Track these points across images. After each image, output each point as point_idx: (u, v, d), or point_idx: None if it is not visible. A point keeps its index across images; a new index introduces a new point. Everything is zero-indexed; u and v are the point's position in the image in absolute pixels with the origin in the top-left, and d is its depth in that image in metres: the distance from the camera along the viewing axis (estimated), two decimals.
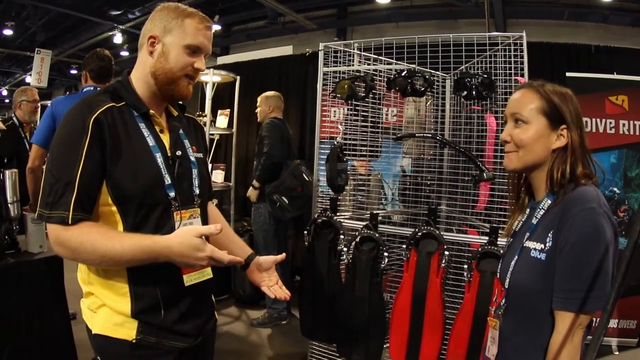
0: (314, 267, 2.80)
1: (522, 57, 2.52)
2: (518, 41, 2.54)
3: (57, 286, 2.93)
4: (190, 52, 1.56)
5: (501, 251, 2.32)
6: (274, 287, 1.82)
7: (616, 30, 7.96)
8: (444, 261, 2.51)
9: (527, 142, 1.49)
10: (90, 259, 1.47)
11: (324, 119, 3.17)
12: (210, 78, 5.13)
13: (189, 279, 1.59)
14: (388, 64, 3.16)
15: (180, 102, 1.75)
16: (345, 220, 2.95)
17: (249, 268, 1.85)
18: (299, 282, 3.72)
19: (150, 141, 1.56)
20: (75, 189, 1.42)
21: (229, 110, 5.51)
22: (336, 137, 2.95)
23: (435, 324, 2.55)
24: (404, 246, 2.63)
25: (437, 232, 2.55)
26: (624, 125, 4.42)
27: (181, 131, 1.69)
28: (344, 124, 3.07)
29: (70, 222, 1.41)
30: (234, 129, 5.52)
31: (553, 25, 8.22)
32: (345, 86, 2.86)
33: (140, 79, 1.60)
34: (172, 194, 1.57)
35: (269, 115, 4.70)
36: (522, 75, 2.54)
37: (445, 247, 2.53)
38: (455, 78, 2.68)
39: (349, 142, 3.08)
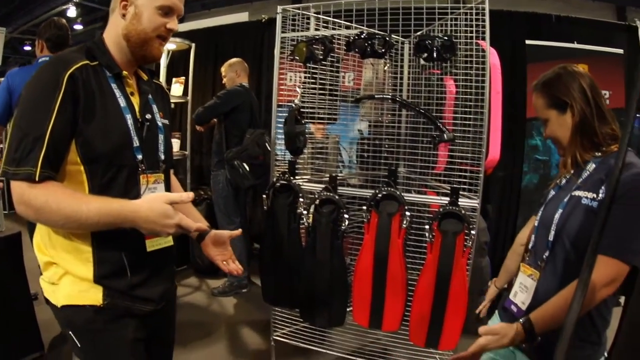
0: (274, 231, 2.75)
1: (483, 21, 2.50)
2: (480, 5, 2.51)
3: (17, 265, 2.91)
4: (163, 13, 1.56)
5: (463, 211, 2.35)
6: (227, 261, 1.88)
7: (576, 3, 8.08)
8: (405, 222, 2.51)
9: (552, 134, 1.80)
10: (54, 219, 1.42)
11: (281, 82, 3.11)
12: (165, 46, 4.99)
13: (151, 245, 1.61)
14: (347, 28, 3.11)
15: (151, 69, 1.78)
16: (305, 184, 2.92)
17: (204, 241, 1.88)
18: (259, 248, 3.68)
19: (122, 102, 1.55)
20: (44, 145, 1.38)
21: (183, 78, 5.38)
22: (294, 100, 2.90)
23: (398, 285, 2.55)
24: (365, 208, 2.62)
25: (398, 193, 2.54)
26: None
27: (150, 96, 1.70)
28: (301, 86, 3.03)
29: (37, 178, 1.37)
30: (189, 97, 5.43)
31: None
32: (304, 48, 2.80)
33: (112, 41, 1.59)
34: (139, 157, 1.56)
35: (237, 81, 4.68)
36: (484, 39, 2.52)
37: (406, 208, 2.52)
38: (416, 40, 2.64)
39: (307, 106, 3.03)
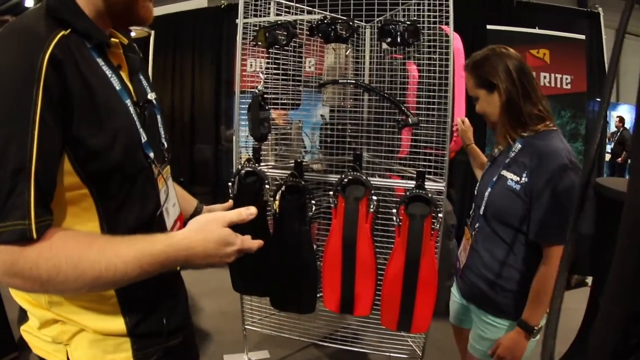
0: None
1: (447, 6, 2.50)
2: None
3: None
4: None
5: (429, 195, 2.38)
6: None
7: None
8: (372, 206, 2.52)
9: (482, 112, 1.96)
10: (72, 287, 0.97)
11: (243, 69, 3.07)
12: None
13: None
14: (309, 13, 3.08)
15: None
16: (270, 170, 2.90)
17: None
18: None
19: (116, 84, 1.11)
20: (32, 179, 0.91)
21: None
22: (257, 87, 2.86)
23: (368, 269, 2.55)
24: (331, 193, 2.61)
25: (364, 177, 2.54)
26: (544, 77, 4.67)
27: (137, 66, 1.28)
28: (264, 72, 2.99)
29: (35, 235, 0.91)
30: None
31: None
32: (267, 34, 2.77)
33: None
34: (151, 155, 1.18)
35: None
36: (447, 24, 2.53)
37: (372, 192, 2.53)
38: (380, 25, 2.64)
39: (270, 92, 3.01)
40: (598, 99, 4.92)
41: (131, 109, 1.13)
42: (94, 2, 1.09)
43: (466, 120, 2.48)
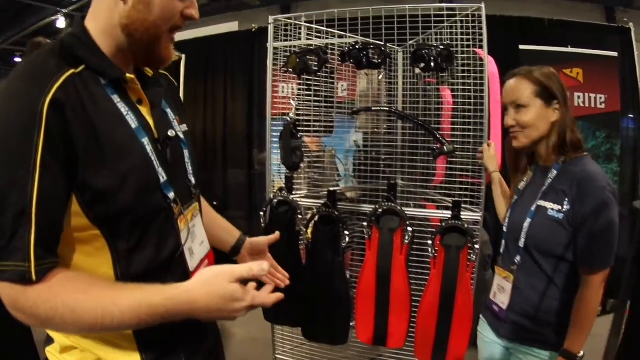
0: (272, 249, 2.68)
1: (480, 28, 2.45)
2: (476, 12, 2.46)
3: None
4: None
5: (466, 225, 2.31)
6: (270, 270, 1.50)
7: (566, 4, 8.06)
8: (407, 238, 2.46)
9: (530, 122, 1.85)
10: (69, 330, 1.05)
11: (274, 94, 3.05)
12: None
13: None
14: (340, 37, 3.06)
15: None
16: (302, 200, 2.86)
17: (239, 254, 1.58)
18: None
19: (132, 122, 1.09)
20: (32, 223, 0.93)
21: None
22: (288, 114, 2.83)
23: (402, 301, 2.50)
24: (365, 224, 2.56)
25: (399, 208, 2.49)
26: (579, 97, 4.55)
27: (163, 100, 1.25)
28: (296, 99, 2.96)
29: (34, 277, 0.93)
30: None
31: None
32: (297, 60, 2.75)
33: (103, 32, 1.09)
34: (171, 195, 1.15)
35: None
36: (481, 48, 2.47)
37: (407, 223, 2.47)
38: (413, 49, 2.59)
39: (302, 118, 2.96)
40: (631, 115, 4.79)
41: (148, 147, 1.11)
42: (115, 37, 1.09)
43: (493, 145, 2.39)
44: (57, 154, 0.95)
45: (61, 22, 11.04)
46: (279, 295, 1.14)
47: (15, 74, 1.01)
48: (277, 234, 1.65)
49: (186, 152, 1.28)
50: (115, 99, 1.08)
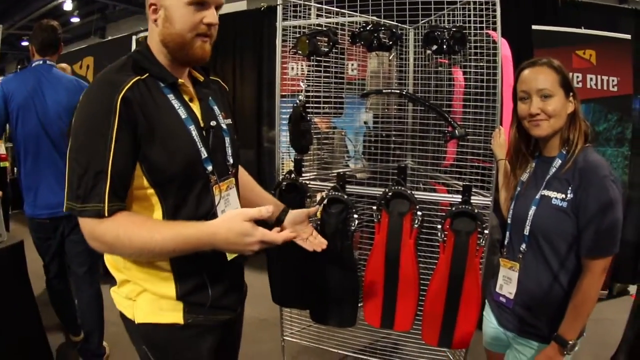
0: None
1: (494, 10, 2.41)
2: None
3: (21, 274, 2.86)
4: (197, 8, 1.41)
5: (476, 210, 2.29)
6: (309, 238, 1.83)
7: None
8: (416, 222, 2.45)
9: (557, 111, 1.82)
10: (127, 252, 1.39)
11: (284, 74, 3.01)
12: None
13: (231, 253, 1.55)
14: (350, 16, 3.01)
15: (204, 66, 1.65)
16: (311, 182, 2.84)
17: (282, 225, 1.81)
18: (266, 249, 3.63)
19: (182, 113, 1.46)
20: (108, 179, 1.31)
21: None
22: (298, 95, 2.80)
23: (410, 285, 2.50)
24: (374, 207, 2.55)
25: (409, 192, 2.47)
26: (591, 79, 4.48)
27: (210, 98, 1.61)
28: (305, 81, 2.92)
29: (106, 214, 1.31)
30: None
31: None
32: (307, 41, 2.71)
33: (156, 48, 1.48)
34: (209, 168, 1.50)
35: None
36: (495, 30, 2.43)
37: (417, 207, 2.46)
38: (425, 31, 2.56)
39: (311, 99, 2.93)
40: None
41: (194, 132, 1.46)
42: (162, 50, 1.47)
43: (503, 132, 2.36)
44: (126, 134, 1.32)
45: (68, 5, 10.97)
46: (288, 235, 1.42)
47: (99, 79, 1.40)
48: (316, 207, 1.99)
49: (227, 139, 1.61)
50: (171, 97, 1.45)
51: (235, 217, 1.34)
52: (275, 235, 1.38)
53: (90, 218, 1.32)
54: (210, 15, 1.43)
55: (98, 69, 7.29)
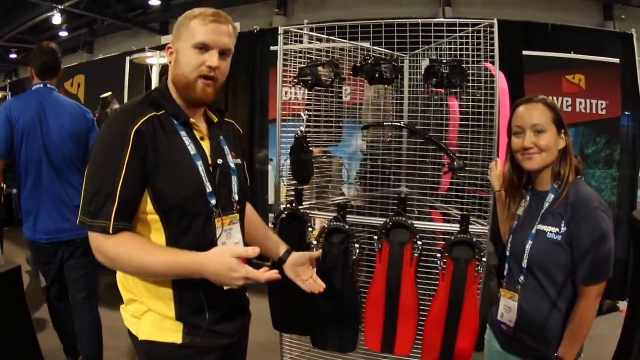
0: None
1: (492, 44, 2.48)
2: (488, 28, 2.48)
3: (19, 298, 2.86)
4: (200, 51, 1.55)
5: (474, 239, 2.38)
6: (308, 280, 1.91)
7: (564, 2, 8.06)
8: (417, 251, 2.51)
9: (550, 146, 1.91)
10: (127, 270, 1.54)
11: (284, 99, 3.01)
12: (157, 60, 4.93)
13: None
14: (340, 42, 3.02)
15: (220, 108, 1.81)
16: (312, 213, 2.88)
17: (285, 265, 1.91)
18: None
19: (192, 150, 1.58)
20: (116, 201, 1.45)
21: None
22: (300, 128, 2.81)
23: (410, 312, 2.57)
24: (375, 237, 2.61)
25: (409, 222, 2.53)
26: (580, 103, 4.59)
27: (221, 137, 1.72)
28: (306, 112, 2.91)
29: (111, 231, 1.45)
30: None
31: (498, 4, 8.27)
32: (309, 72, 2.74)
33: (172, 88, 1.64)
34: (213, 202, 1.59)
35: None
36: (493, 63, 2.50)
37: (417, 236, 2.52)
38: (427, 66, 2.62)
39: (312, 128, 2.95)
40: (631, 122, 4.83)
41: (201, 167, 1.57)
42: (176, 92, 1.62)
43: (500, 163, 2.42)
44: (137, 163, 1.47)
45: (57, 19, 10.88)
46: (272, 275, 1.51)
47: (120, 110, 1.68)
48: (320, 252, 2.18)
49: (234, 178, 1.70)
50: (183, 134, 1.58)
51: (225, 252, 1.47)
52: (260, 274, 1.48)
53: (97, 233, 1.47)
54: (211, 59, 1.55)
55: (90, 87, 7.29)
